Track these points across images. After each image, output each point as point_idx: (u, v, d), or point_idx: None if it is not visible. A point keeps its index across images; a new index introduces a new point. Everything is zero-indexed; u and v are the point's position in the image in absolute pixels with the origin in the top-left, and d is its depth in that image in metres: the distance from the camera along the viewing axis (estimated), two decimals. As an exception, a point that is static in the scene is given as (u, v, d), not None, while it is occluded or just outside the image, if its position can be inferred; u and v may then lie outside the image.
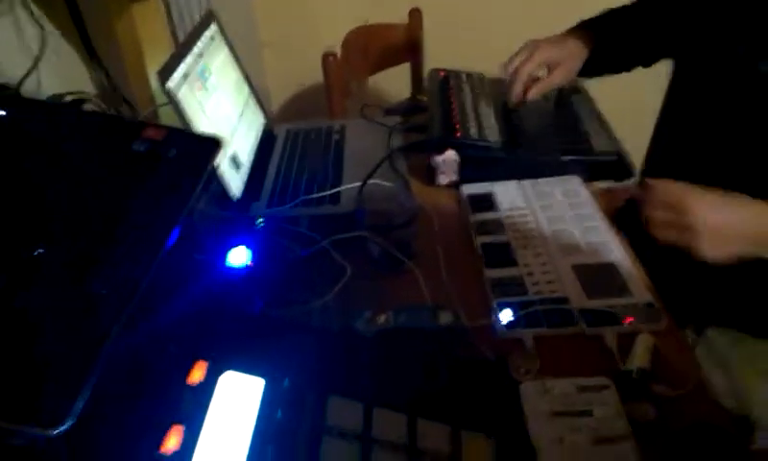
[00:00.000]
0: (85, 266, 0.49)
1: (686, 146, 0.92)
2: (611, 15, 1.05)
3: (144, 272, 0.50)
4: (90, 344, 0.44)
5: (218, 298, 0.66)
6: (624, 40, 1.03)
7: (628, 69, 1.07)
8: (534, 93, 1.01)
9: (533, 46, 1.01)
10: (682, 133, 0.94)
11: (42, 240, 0.50)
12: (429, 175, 0.98)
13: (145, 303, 0.50)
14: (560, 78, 1.02)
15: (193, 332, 0.60)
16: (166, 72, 0.79)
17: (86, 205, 0.55)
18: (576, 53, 1.01)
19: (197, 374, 0.55)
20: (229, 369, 0.56)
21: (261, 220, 0.90)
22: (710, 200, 0.72)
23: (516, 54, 1.02)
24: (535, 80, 1.02)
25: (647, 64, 1.05)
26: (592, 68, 1.04)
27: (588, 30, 1.03)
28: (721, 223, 0.71)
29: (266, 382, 0.55)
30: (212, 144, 0.67)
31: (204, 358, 0.56)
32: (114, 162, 0.60)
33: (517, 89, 1.01)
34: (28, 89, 0.88)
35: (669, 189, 0.74)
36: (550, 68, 1.01)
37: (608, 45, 1.02)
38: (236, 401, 0.54)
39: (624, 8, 1.04)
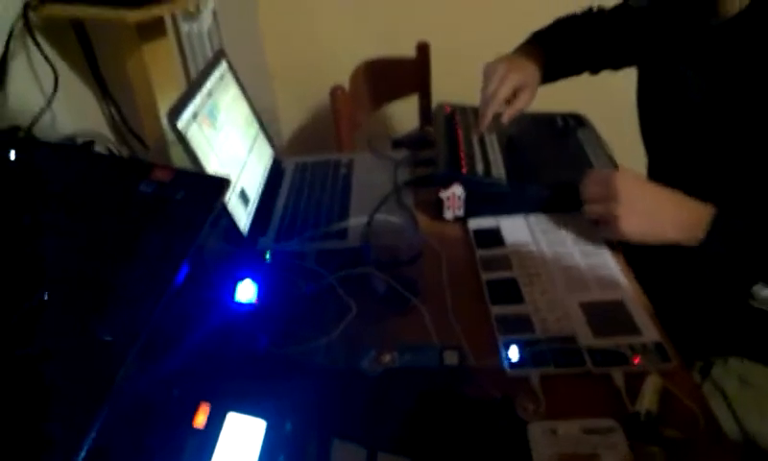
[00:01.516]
0: (90, 312, 0.50)
1: (660, 163, 0.98)
2: (557, 26, 1.14)
3: (148, 317, 0.51)
4: (94, 391, 0.45)
5: (224, 336, 0.67)
6: (572, 48, 1.11)
7: (578, 73, 1.15)
8: (507, 119, 1.07)
9: (502, 71, 1.04)
10: (654, 150, 1.00)
11: (47, 285, 0.51)
12: (437, 209, 0.98)
13: (151, 346, 0.50)
14: (526, 101, 1.07)
15: (198, 373, 0.60)
16: (175, 112, 0.81)
17: (92, 248, 0.56)
18: (536, 73, 1.08)
19: (200, 417, 0.55)
20: (232, 410, 0.56)
21: (268, 255, 0.91)
22: (635, 179, 0.81)
23: (488, 81, 1.06)
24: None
25: (616, 67, 1.13)
26: (549, 76, 1.11)
27: (536, 45, 1.11)
28: (640, 198, 0.79)
29: (267, 424, 0.55)
30: (220, 184, 0.68)
31: (208, 400, 0.56)
32: (121, 205, 0.61)
33: (491, 114, 1.05)
34: (43, 127, 0.90)
35: (603, 171, 0.85)
36: (516, 92, 1.06)
37: (558, 55, 1.11)
38: (239, 444, 0.54)
39: (571, 17, 1.14)
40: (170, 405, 0.55)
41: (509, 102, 1.06)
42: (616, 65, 1.13)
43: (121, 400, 0.45)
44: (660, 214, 0.78)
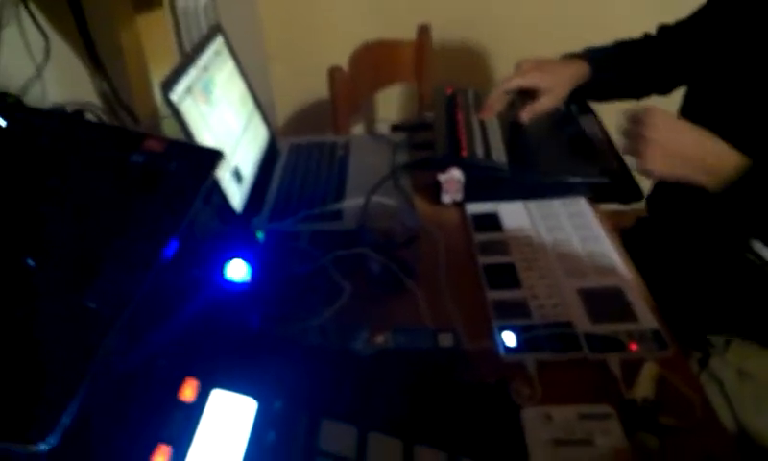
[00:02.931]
0: (77, 279, 0.48)
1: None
2: (617, 47, 1.09)
3: (137, 286, 0.49)
4: (78, 359, 0.43)
5: (214, 313, 0.65)
6: (634, 70, 1.06)
7: (638, 97, 1.09)
8: (525, 117, 1.03)
9: (523, 68, 1.03)
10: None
11: (33, 252, 0.49)
12: (435, 192, 0.97)
13: (138, 317, 0.49)
14: (544, 105, 1.03)
15: (187, 348, 0.58)
16: (169, 83, 0.79)
17: (80, 217, 0.54)
18: (567, 82, 1.03)
19: (187, 391, 0.54)
20: (221, 387, 0.54)
21: (262, 234, 0.89)
22: (667, 118, 0.81)
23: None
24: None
25: (665, 92, 1.07)
26: (596, 94, 1.07)
27: (586, 59, 1.05)
28: (667, 138, 0.79)
29: (258, 404, 0.54)
30: (213, 157, 0.67)
31: (196, 375, 0.55)
32: (112, 174, 0.59)
33: (491, 101, 1.03)
34: (32, 97, 0.88)
35: (641, 106, 0.83)
36: (538, 94, 1.02)
37: (610, 74, 1.05)
38: (227, 422, 0.53)
39: (632, 41, 1.09)
40: (157, 378, 0.54)
41: (531, 98, 1.04)
42: (684, 81, 1.06)
43: (105, 368, 0.44)
44: (686, 154, 0.79)
